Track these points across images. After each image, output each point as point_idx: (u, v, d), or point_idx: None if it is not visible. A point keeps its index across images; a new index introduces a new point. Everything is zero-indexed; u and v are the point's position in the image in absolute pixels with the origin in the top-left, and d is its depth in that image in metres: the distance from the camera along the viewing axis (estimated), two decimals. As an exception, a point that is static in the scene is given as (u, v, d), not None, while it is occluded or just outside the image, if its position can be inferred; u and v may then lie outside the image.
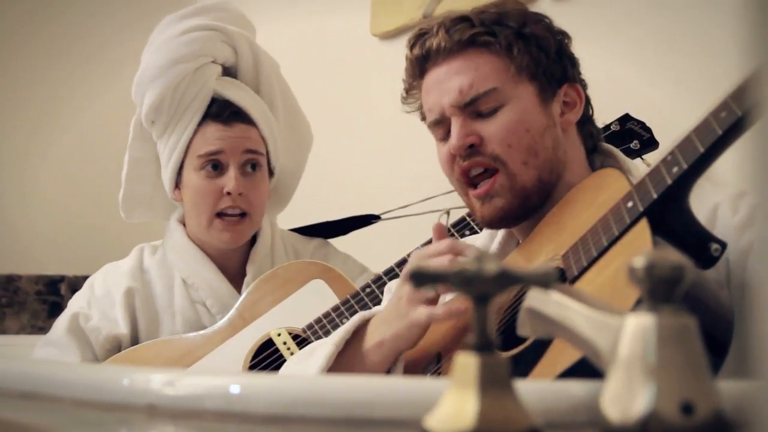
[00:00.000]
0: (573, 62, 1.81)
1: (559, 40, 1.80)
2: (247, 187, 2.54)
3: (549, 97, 1.76)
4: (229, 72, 2.67)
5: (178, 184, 2.60)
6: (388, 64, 3.46)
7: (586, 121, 1.82)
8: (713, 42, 2.51)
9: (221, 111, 2.56)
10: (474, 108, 1.74)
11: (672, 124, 2.00)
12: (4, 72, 3.80)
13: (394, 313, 1.66)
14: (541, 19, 1.80)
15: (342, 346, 1.74)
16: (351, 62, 3.60)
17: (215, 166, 2.54)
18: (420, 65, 1.82)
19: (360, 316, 1.78)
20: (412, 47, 1.82)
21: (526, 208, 1.74)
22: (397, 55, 3.30)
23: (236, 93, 2.60)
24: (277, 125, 2.65)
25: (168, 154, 2.59)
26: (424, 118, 1.87)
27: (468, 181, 1.77)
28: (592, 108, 1.85)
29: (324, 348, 1.75)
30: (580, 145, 1.81)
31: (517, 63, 1.74)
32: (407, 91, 1.88)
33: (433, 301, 1.61)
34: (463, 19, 1.78)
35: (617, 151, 1.85)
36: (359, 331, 1.75)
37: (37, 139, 3.85)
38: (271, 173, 2.65)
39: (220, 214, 2.54)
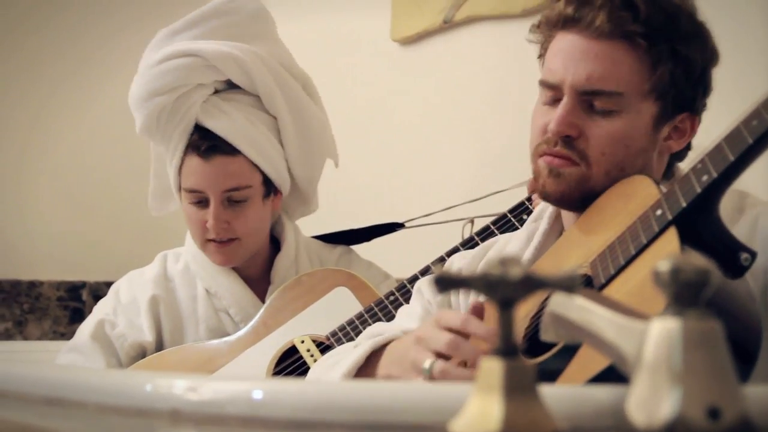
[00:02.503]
0: (705, 91, 1.72)
1: (705, 66, 1.71)
2: (230, 218, 2.49)
3: (664, 120, 1.69)
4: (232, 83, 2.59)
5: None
6: (410, 70, 3.47)
7: (682, 150, 1.76)
8: (733, 51, 2.50)
9: (200, 144, 2.48)
10: (590, 99, 1.67)
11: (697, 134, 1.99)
12: (3, 70, 3.81)
13: (398, 362, 1.65)
14: (704, 35, 1.71)
15: (354, 373, 1.74)
16: (372, 68, 3.60)
17: (198, 201, 2.50)
18: (564, 21, 1.70)
19: (373, 342, 1.77)
20: (566, 3, 1.70)
21: (585, 200, 1.69)
22: (418, 60, 3.29)
23: (218, 121, 2.50)
24: (277, 143, 2.57)
25: (168, 173, 2.59)
26: (540, 56, 1.78)
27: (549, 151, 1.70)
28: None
29: (336, 373, 1.76)
30: (663, 168, 1.76)
31: (655, 81, 1.65)
32: (539, 26, 1.77)
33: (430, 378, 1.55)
34: (629, 6, 1.66)
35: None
36: (376, 353, 1.75)
37: (56, 144, 3.86)
38: (271, 191, 2.60)
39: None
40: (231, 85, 2.59)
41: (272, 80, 2.58)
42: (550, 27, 1.74)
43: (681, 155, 1.79)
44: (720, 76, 2.33)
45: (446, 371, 1.49)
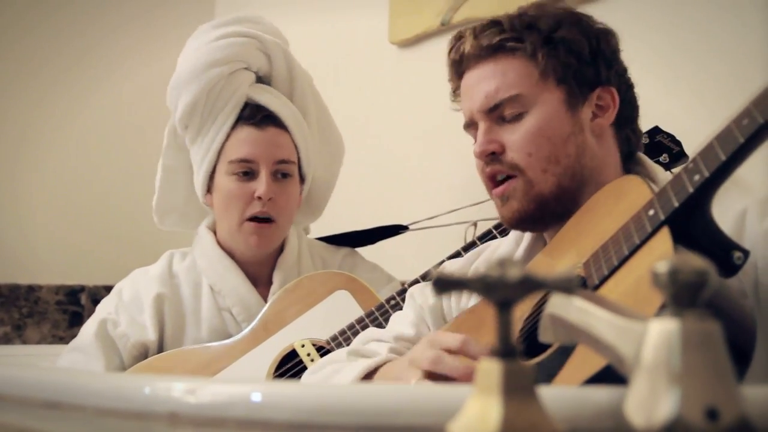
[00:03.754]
0: (609, 64, 1.81)
1: (596, 42, 1.80)
2: (277, 193, 2.55)
3: (578, 101, 1.77)
4: (263, 81, 2.69)
5: (209, 188, 2.62)
6: (408, 72, 3.47)
7: (624, 124, 1.82)
8: (733, 51, 2.50)
9: (254, 114, 2.58)
10: (498, 113, 1.77)
11: (691, 134, 1.99)
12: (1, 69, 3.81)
13: (399, 373, 1.65)
14: (578, 20, 1.81)
15: None
16: (370, 70, 3.60)
17: (246, 172, 2.55)
18: (457, 69, 1.87)
19: (366, 366, 1.77)
20: (449, 51, 1.87)
21: (544, 213, 1.76)
22: (416, 62, 3.29)
23: (269, 98, 2.61)
24: (309, 133, 2.67)
25: (201, 158, 2.62)
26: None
27: (494, 182, 1.80)
28: (635, 110, 1.85)
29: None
30: (615, 150, 1.81)
31: (541, 69, 1.75)
32: (453, 91, 1.93)
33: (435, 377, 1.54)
34: (494, 24, 1.82)
35: (644, 158, 1.84)
36: (372, 374, 1.76)
37: (55, 148, 3.86)
38: (302, 179, 2.66)
39: (250, 218, 2.55)
40: (264, 83, 2.70)
41: (305, 79, 2.72)
42: (455, 83, 1.90)
43: (627, 142, 1.83)
44: (718, 74, 2.32)
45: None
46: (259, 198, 2.52)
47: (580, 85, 1.77)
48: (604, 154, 1.78)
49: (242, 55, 2.62)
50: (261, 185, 2.53)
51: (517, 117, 1.76)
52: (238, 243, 2.60)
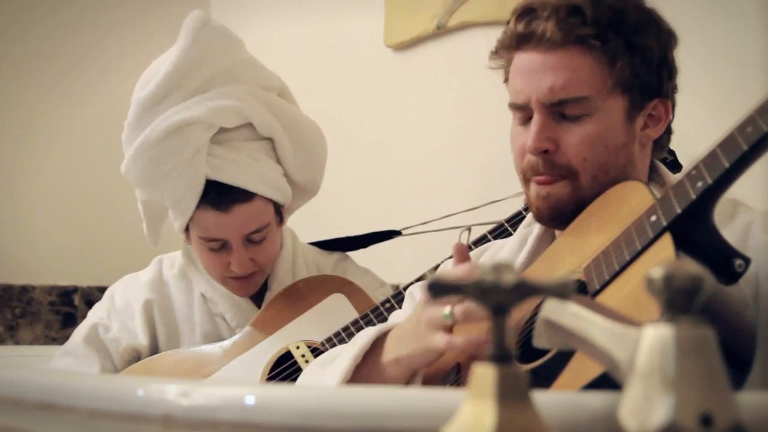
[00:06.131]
0: (671, 74, 1.75)
1: (665, 50, 1.74)
2: (254, 253, 2.48)
3: (636, 111, 1.71)
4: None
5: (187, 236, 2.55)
6: (403, 76, 3.46)
7: (662, 137, 1.78)
8: (733, 55, 2.50)
9: (218, 201, 2.42)
10: (559, 109, 1.69)
11: (688, 138, 1.99)
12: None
13: (412, 333, 1.63)
14: (654, 22, 1.74)
15: (360, 359, 1.72)
16: (366, 73, 3.60)
17: (217, 247, 2.46)
18: (518, 41, 1.74)
19: (378, 328, 1.76)
20: (516, 20, 1.74)
21: (576, 213, 1.70)
22: (412, 66, 3.28)
23: (229, 172, 2.44)
24: (283, 162, 2.54)
25: (173, 218, 2.52)
26: (506, 80, 1.80)
27: (535, 172, 1.73)
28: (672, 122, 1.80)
29: (341, 361, 1.74)
30: (648, 160, 1.78)
31: (616, 77, 1.68)
32: (497, 50, 1.80)
33: (450, 329, 1.57)
34: (576, 12, 1.68)
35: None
36: (378, 343, 1.74)
37: (49, 148, 3.85)
38: (282, 215, 2.57)
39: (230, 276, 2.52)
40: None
41: (265, 109, 2.53)
42: (507, 50, 1.77)
43: (660, 149, 1.81)
44: (718, 79, 2.31)
45: (468, 311, 1.51)
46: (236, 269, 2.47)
47: (642, 93, 1.71)
48: (641, 165, 1.75)
49: (192, 144, 2.41)
50: (234, 261, 2.45)
51: (578, 118, 1.68)
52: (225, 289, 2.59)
